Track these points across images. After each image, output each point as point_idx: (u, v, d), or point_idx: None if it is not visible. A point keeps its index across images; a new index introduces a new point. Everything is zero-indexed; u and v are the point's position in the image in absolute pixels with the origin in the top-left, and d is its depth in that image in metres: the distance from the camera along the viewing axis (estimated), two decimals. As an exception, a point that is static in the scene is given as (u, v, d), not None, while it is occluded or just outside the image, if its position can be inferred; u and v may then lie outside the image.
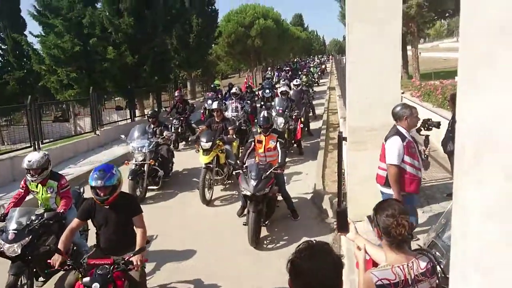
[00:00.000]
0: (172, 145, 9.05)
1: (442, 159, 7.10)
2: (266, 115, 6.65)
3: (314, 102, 16.35)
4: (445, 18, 40.41)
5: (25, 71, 21.87)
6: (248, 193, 5.41)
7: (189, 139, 12.20)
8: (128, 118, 15.87)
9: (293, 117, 9.98)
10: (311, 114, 13.79)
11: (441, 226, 2.56)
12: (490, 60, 0.89)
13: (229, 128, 8.24)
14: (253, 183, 5.44)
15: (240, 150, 8.32)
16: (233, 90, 12.95)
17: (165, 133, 8.65)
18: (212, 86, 17.15)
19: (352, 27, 5.01)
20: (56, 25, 13.56)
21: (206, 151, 7.35)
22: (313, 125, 12.85)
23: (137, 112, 16.25)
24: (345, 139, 5.84)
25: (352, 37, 5.04)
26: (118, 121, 16.15)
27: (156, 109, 17.58)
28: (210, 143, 7.34)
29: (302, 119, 11.12)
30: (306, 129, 11.78)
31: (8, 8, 21.37)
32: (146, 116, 11.53)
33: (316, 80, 27.29)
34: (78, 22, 13.92)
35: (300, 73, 23.65)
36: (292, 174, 8.47)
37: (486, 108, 0.91)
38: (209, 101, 12.88)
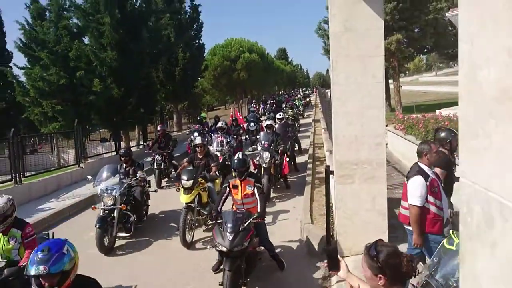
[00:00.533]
0: (148, 185, 8.32)
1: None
2: (241, 157, 5.97)
3: (299, 135, 16.40)
4: (423, 53, 42.00)
5: (8, 102, 21.62)
6: (224, 249, 4.68)
7: (171, 176, 11.69)
8: (113, 151, 15.72)
9: (279, 151, 9.77)
10: (296, 148, 13.52)
11: (433, 264, 2.55)
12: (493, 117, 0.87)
13: (212, 164, 7.84)
14: (229, 236, 4.72)
15: None
16: (219, 124, 12.80)
17: (138, 173, 7.91)
18: (198, 118, 17.09)
19: (337, 63, 5.15)
20: (42, 57, 13.55)
21: (187, 190, 6.94)
22: (299, 159, 12.76)
23: (122, 144, 16.12)
24: (332, 172, 5.89)
25: (336, 72, 5.17)
26: (103, 153, 15.98)
27: (141, 142, 17.49)
28: (191, 181, 6.93)
29: (288, 153, 11.05)
30: (292, 163, 11.51)
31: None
32: (119, 153, 10.46)
33: (301, 112, 27.67)
34: (64, 55, 13.94)
35: (284, 106, 23.77)
36: (279, 211, 8.28)
37: (495, 166, 0.84)
38: (195, 134, 12.80)
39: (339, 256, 2.57)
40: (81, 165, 12.82)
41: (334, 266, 2.52)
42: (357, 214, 5.22)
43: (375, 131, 5.09)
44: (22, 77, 15.57)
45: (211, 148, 10.42)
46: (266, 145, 9.48)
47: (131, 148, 12.80)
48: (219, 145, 10.84)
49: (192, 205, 6.93)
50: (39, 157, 17.49)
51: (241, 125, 17.07)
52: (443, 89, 42.41)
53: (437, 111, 13.99)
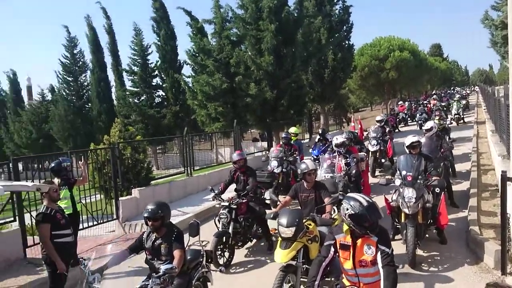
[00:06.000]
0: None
1: None
2: (358, 198, 3.49)
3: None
4: None
5: (179, 106, 24.98)
6: None
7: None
8: (263, 150, 16.82)
9: (433, 188, 6.14)
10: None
11: None
12: None
13: (325, 200, 5.49)
14: None
15: None
16: (338, 138, 8.37)
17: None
18: (283, 135, 11.14)
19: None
20: (208, 65, 15.31)
21: (287, 242, 4.69)
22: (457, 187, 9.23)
23: (273, 144, 17.06)
24: (510, 179, 5.24)
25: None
26: (254, 152, 17.21)
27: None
28: (293, 229, 4.63)
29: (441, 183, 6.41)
30: (447, 197, 7.69)
31: (169, 54, 25.00)
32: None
33: (461, 116, 22.76)
34: (226, 62, 15.51)
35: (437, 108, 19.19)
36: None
37: None
38: (274, 163, 9.54)
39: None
40: (239, 162, 14.00)
41: None
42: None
43: None
44: (190, 84, 17.88)
45: (318, 174, 7.30)
46: (409, 178, 5.98)
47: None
48: (328, 170, 7.55)
49: (294, 263, 4.68)
50: (200, 154, 19.79)
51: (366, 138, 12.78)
52: None
53: None
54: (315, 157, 11.63)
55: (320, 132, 12.69)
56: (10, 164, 7.59)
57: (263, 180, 8.00)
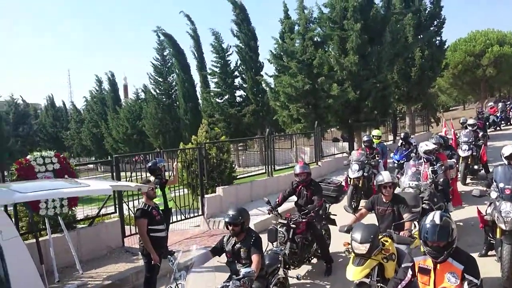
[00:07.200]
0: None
1: None
2: (438, 220, 3.31)
3: None
4: None
5: (260, 105, 25.48)
6: None
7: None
8: (344, 152, 16.47)
9: None
10: None
11: None
12: None
13: (404, 216, 5.02)
14: None
15: None
16: (427, 146, 7.63)
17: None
18: (365, 138, 10.78)
19: None
20: (291, 66, 15.42)
21: (360, 258, 4.48)
22: None
23: (355, 146, 16.67)
24: None
25: None
26: (336, 154, 16.94)
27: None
28: (367, 245, 4.35)
29: None
30: None
31: (250, 55, 25.58)
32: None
33: None
34: (309, 63, 15.50)
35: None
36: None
37: None
38: (355, 166, 9.30)
39: None
40: (319, 163, 13.96)
41: None
42: None
43: None
44: (272, 85, 18.16)
45: (400, 182, 6.99)
46: (508, 191, 5.36)
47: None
48: (414, 178, 6.88)
49: (368, 281, 4.45)
50: (280, 153, 20.00)
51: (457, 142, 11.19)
52: None
53: None
54: (396, 162, 11.24)
55: (403, 136, 12.06)
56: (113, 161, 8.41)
57: (328, 194, 7.27)
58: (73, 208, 7.40)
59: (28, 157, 6.74)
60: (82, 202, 8.49)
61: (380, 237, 4.70)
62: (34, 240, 6.09)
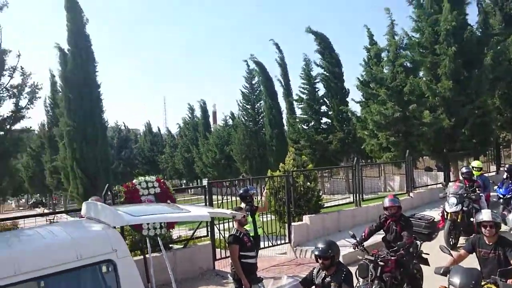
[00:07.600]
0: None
1: None
2: None
3: None
4: None
5: (345, 132, 25.13)
6: None
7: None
8: (439, 183, 15.42)
9: None
10: None
11: None
12: None
13: None
14: None
15: None
16: None
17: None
18: (464, 170, 10.11)
19: None
20: (380, 94, 15.11)
21: None
22: None
23: (451, 176, 15.56)
24: None
25: None
26: (430, 184, 15.96)
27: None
28: None
29: None
30: None
31: (334, 83, 25.51)
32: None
33: None
34: (399, 90, 15.05)
35: None
36: None
37: None
38: (452, 200, 8.74)
39: None
40: (411, 194, 13.28)
41: None
42: None
43: None
44: (357, 113, 17.86)
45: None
46: None
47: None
48: None
49: None
50: (367, 181, 19.39)
51: None
52: None
53: None
54: (502, 196, 10.29)
55: (508, 168, 11.03)
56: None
57: (420, 231, 6.75)
58: (170, 230, 7.99)
59: (134, 181, 7.49)
60: (177, 223, 9.12)
61: (483, 283, 4.27)
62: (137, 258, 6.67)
